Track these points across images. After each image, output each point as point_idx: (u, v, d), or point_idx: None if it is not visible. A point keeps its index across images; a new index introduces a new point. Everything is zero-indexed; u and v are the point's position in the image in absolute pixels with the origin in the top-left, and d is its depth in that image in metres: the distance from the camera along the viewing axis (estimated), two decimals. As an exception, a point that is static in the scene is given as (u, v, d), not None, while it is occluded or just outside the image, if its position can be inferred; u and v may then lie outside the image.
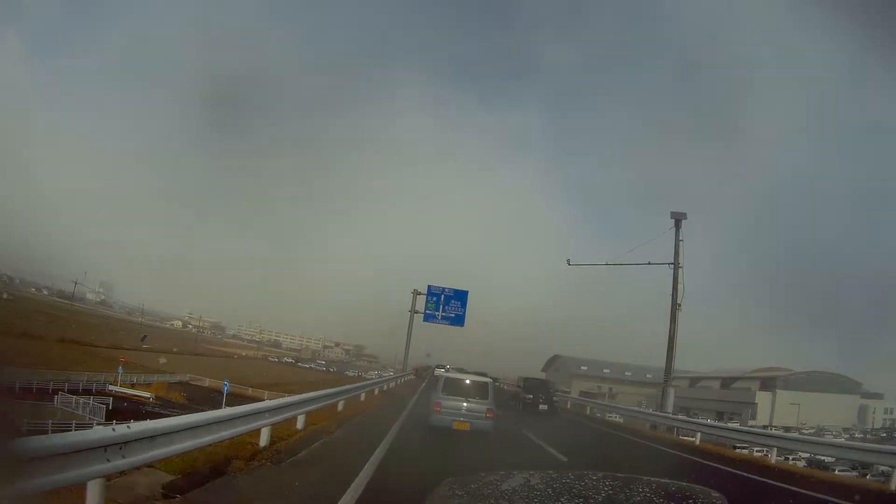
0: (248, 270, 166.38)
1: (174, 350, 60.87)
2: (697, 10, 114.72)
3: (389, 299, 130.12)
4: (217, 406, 13.15)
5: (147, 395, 34.47)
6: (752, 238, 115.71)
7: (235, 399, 25.85)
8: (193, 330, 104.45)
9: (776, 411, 49.91)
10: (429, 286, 34.76)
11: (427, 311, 34.56)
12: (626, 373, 73.41)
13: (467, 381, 12.17)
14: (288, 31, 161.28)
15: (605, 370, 73.55)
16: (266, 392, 33.45)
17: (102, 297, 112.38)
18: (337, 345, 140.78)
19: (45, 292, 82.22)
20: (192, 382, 44.02)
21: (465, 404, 11.71)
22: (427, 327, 34.94)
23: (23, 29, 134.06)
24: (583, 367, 73.78)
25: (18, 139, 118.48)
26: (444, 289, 34.64)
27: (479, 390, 12.01)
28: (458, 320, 34.36)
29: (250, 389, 37.47)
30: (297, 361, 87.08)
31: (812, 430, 38.98)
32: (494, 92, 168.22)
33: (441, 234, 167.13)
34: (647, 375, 74.21)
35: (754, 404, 50.24)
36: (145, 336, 63.74)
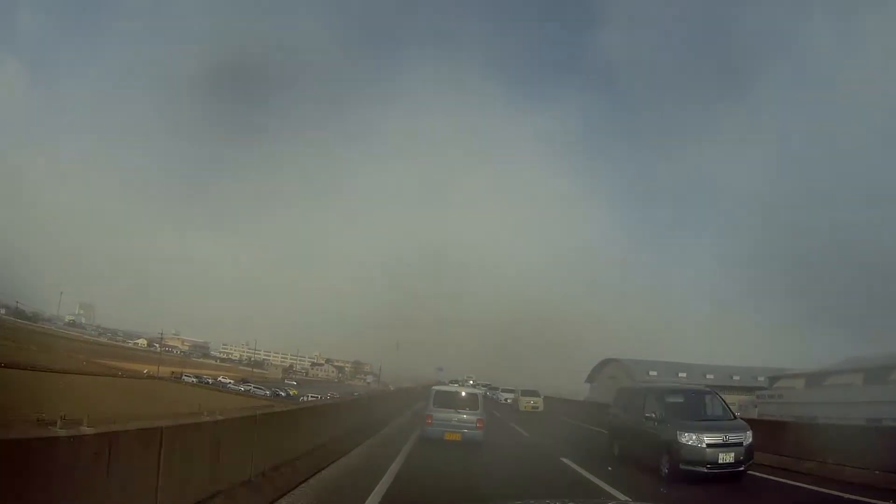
0: (254, 287, 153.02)
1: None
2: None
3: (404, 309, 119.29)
4: None
5: None
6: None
7: None
8: (159, 349, 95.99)
9: None
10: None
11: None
12: (708, 376, 60.84)
13: (459, 394, 12.83)
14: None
15: (680, 374, 60.89)
16: None
17: (80, 318, 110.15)
18: (328, 361, 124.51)
19: (2, 311, 78.24)
20: None
21: (455, 415, 12.00)
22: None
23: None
24: (652, 373, 60.97)
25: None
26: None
27: (470, 402, 12.44)
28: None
29: None
30: (234, 382, 67.79)
31: None
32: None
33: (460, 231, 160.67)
34: (734, 377, 62.25)
35: None
36: None
